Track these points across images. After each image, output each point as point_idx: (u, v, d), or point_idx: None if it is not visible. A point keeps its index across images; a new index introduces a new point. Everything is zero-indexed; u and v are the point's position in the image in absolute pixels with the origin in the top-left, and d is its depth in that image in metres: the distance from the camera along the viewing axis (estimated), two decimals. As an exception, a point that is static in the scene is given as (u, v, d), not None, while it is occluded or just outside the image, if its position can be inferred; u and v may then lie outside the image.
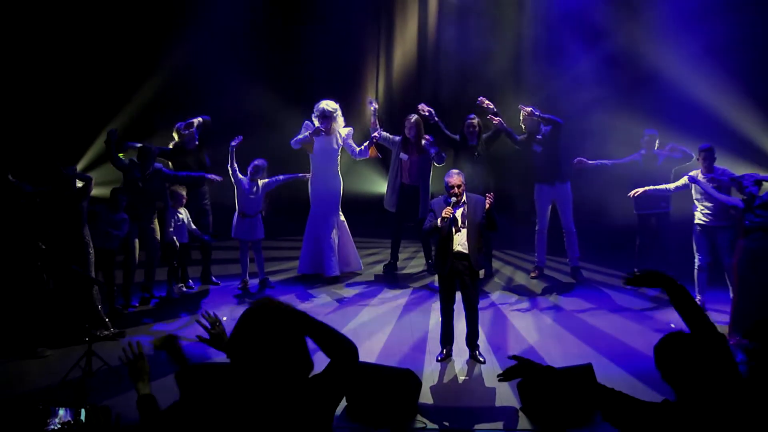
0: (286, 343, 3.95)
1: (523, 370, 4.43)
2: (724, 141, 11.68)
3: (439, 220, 8.52)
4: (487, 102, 11.37)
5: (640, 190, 10.68)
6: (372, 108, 11.48)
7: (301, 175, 11.44)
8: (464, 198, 8.63)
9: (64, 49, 12.57)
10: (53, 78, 12.42)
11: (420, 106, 11.38)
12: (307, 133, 11.26)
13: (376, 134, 11.34)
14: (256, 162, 11.11)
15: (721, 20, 12.44)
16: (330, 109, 11.25)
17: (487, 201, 8.59)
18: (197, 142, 11.20)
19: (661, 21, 13.10)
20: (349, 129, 11.50)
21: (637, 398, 4.20)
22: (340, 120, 11.40)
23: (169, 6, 13.12)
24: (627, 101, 12.86)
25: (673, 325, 9.98)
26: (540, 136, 11.53)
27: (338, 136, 11.40)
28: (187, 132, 11.10)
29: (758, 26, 12.13)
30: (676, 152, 11.18)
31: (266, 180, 11.10)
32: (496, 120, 11.40)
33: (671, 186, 10.67)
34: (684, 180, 10.44)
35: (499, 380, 4.42)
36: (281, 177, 11.23)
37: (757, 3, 12.27)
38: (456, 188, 8.56)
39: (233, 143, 10.85)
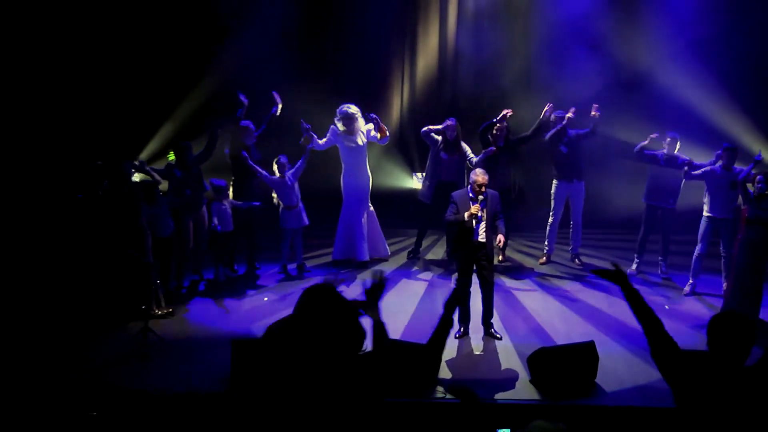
0: (340, 317, 3.98)
1: (616, 278, 4.77)
2: (707, 135, 11.68)
3: (466, 215, 8.51)
4: (510, 112, 11.35)
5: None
6: (372, 118, 11.42)
7: (309, 148, 11.21)
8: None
9: (131, 53, 12.57)
10: (119, 81, 12.42)
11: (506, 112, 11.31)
12: (313, 134, 11.18)
13: (373, 116, 11.38)
14: (279, 159, 11.07)
15: (706, 27, 12.36)
16: (351, 112, 11.25)
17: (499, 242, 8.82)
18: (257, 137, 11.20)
19: (654, 29, 12.99)
20: (369, 125, 11.45)
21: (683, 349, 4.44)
22: (362, 120, 11.38)
23: (220, 17, 13.12)
24: (625, 100, 12.73)
25: (666, 307, 9.93)
26: (566, 138, 11.47)
27: (362, 134, 11.38)
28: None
29: (740, 30, 11.98)
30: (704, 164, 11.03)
31: (292, 170, 11.05)
32: (550, 111, 11.43)
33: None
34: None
35: (592, 272, 4.90)
36: (299, 161, 11.11)
37: (737, 11, 12.12)
38: (483, 187, 8.56)
39: (252, 162, 10.85)
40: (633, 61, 13.12)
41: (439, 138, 11.48)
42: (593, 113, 11.31)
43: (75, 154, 11.22)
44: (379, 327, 4.49)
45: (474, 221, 8.58)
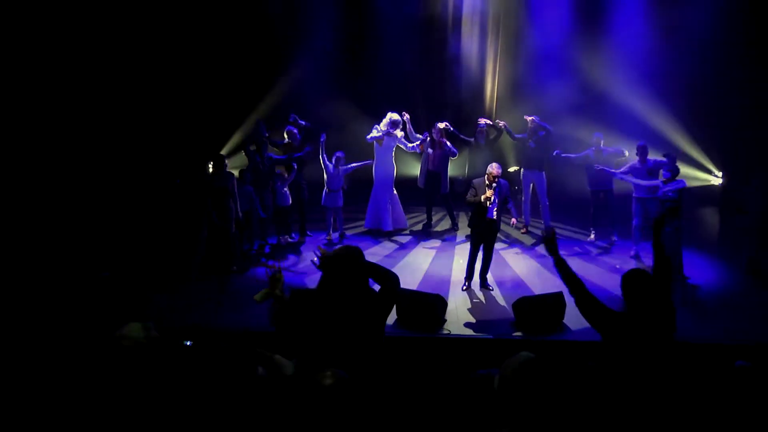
0: (359, 272, 4.13)
1: (546, 244, 4.94)
2: (651, 141, 11.61)
3: (483, 198, 8.60)
4: (487, 121, 11.71)
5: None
6: (406, 118, 11.54)
7: (368, 162, 11.49)
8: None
9: (222, 67, 12.64)
10: (216, 90, 12.49)
11: (444, 124, 11.59)
12: (379, 134, 11.36)
13: (422, 137, 11.46)
14: (337, 154, 11.19)
15: (653, 54, 12.28)
16: (396, 119, 11.37)
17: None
18: (299, 140, 11.27)
19: (612, 57, 12.89)
20: (402, 132, 11.50)
21: (607, 307, 4.56)
22: (399, 129, 11.47)
23: (284, 38, 13.15)
24: (585, 113, 12.69)
25: (617, 266, 9.95)
26: (535, 137, 11.48)
27: (395, 137, 11.43)
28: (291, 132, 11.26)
29: (684, 59, 11.89)
30: (615, 149, 11.13)
31: (345, 166, 11.17)
32: (501, 123, 11.57)
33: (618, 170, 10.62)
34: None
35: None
36: (355, 164, 11.28)
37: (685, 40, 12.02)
38: (497, 177, 8.63)
39: (322, 139, 10.97)
40: (595, 80, 13.00)
41: (426, 137, 11.55)
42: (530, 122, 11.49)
43: (180, 151, 11.34)
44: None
45: (488, 203, 8.64)
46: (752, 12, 11.05)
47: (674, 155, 9.82)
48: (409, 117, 11.63)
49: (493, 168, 8.71)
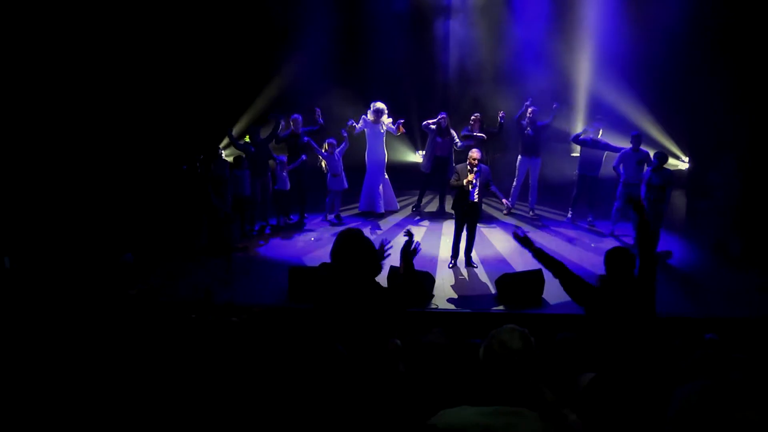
0: (364, 251, 4.17)
1: (523, 243, 5.05)
2: (623, 127, 11.74)
3: (465, 182, 8.65)
4: (478, 116, 11.63)
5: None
6: (399, 123, 11.47)
7: (353, 130, 11.42)
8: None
9: (225, 63, 12.57)
10: (221, 83, 12.42)
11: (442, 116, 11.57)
12: (356, 125, 11.38)
13: (394, 123, 11.41)
14: (328, 140, 11.16)
15: (624, 44, 12.30)
16: (381, 107, 11.37)
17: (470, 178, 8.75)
18: (302, 129, 11.28)
19: (587, 47, 12.89)
20: (390, 119, 11.51)
21: (590, 284, 4.59)
22: (385, 115, 11.45)
23: (284, 34, 13.05)
24: (561, 100, 12.71)
25: (593, 245, 10.04)
26: (533, 126, 11.58)
27: (383, 124, 11.43)
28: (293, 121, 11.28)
29: (653, 48, 11.91)
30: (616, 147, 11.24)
31: (339, 148, 11.12)
32: (501, 113, 11.57)
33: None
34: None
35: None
36: (344, 143, 11.15)
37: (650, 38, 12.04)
38: (477, 161, 8.66)
39: (315, 148, 11.06)
40: (572, 71, 13.01)
41: (434, 127, 11.55)
42: (529, 111, 11.52)
43: (183, 139, 11.32)
44: (410, 273, 4.55)
45: (470, 186, 8.68)
46: (717, 3, 11.06)
47: (666, 154, 9.88)
48: (445, 115, 11.62)
49: (474, 152, 8.76)
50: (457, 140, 11.58)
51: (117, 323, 5.09)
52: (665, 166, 9.51)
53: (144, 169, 10.93)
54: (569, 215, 11.72)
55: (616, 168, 10.62)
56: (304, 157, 11.12)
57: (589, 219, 11.52)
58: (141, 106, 11.26)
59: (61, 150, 10.24)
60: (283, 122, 11.23)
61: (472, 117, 11.62)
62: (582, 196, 11.57)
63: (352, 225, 9.57)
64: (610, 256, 4.69)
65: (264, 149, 10.90)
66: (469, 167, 8.71)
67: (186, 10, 11.78)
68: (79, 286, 7.42)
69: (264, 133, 11.06)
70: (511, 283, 7.87)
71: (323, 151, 11.11)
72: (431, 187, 12.39)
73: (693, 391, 2.37)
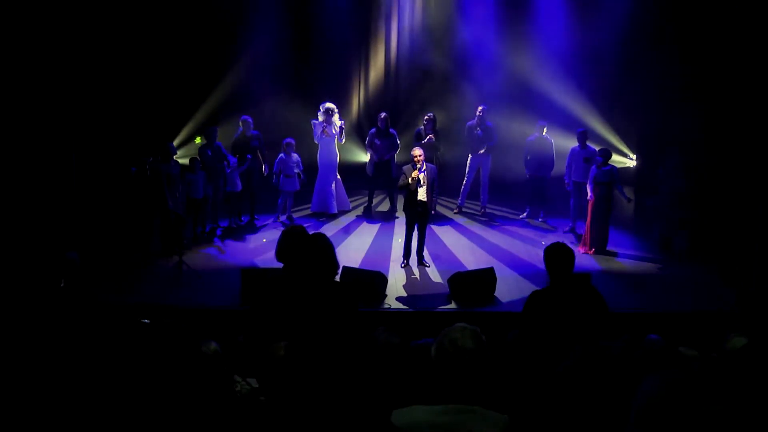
0: (312, 250, 4.11)
1: None
2: (571, 125, 11.90)
3: (410, 179, 8.58)
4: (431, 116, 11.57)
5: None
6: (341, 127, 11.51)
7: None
8: (424, 166, 8.66)
9: (174, 62, 12.22)
10: (165, 82, 12.09)
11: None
12: (319, 128, 11.31)
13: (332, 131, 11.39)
14: (286, 140, 11.08)
15: (571, 43, 12.43)
16: (330, 107, 11.30)
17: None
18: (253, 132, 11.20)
19: (533, 46, 12.98)
20: (341, 122, 11.47)
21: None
22: (336, 116, 11.39)
23: (232, 34, 12.75)
24: (519, 103, 12.80)
25: (543, 242, 10.15)
26: (483, 126, 11.66)
27: (335, 125, 11.36)
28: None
29: (601, 47, 12.05)
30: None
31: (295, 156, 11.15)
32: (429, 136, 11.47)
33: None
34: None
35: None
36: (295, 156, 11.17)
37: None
38: (418, 157, 8.62)
39: (257, 142, 11.10)
40: (519, 70, 13.08)
41: (374, 130, 11.58)
42: (479, 111, 11.62)
43: (130, 140, 11.01)
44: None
45: (415, 185, 8.64)
46: (664, 2, 11.26)
47: (610, 151, 10.06)
48: (385, 115, 11.63)
49: (416, 150, 8.76)
50: (398, 142, 11.68)
51: (41, 314, 4.96)
52: (610, 162, 9.73)
53: (92, 169, 10.63)
54: (524, 214, 11.89)
55: (568, 167, 10.83)
56: (249, 156, 10.99)
57: (541, 216, 11.67)
58: (90, 106, 10.92)
59: (8, 148, 9.89)
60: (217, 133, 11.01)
61: (425, 117, 11.53)
62: (535, 196, 11.71)
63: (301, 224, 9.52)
64: (549, 252, 4.64)
65: (218, 153, 10.73)
66: (413, 167, 8.68)
67: (134, 10, 11.49)
68: (10, 280, 7.23)
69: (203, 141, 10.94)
70: (463, 281, 7.91)
71: (281, 152, 11.03)
72: (378, 187, 12.38)
73: (658, 383, 2.35)
